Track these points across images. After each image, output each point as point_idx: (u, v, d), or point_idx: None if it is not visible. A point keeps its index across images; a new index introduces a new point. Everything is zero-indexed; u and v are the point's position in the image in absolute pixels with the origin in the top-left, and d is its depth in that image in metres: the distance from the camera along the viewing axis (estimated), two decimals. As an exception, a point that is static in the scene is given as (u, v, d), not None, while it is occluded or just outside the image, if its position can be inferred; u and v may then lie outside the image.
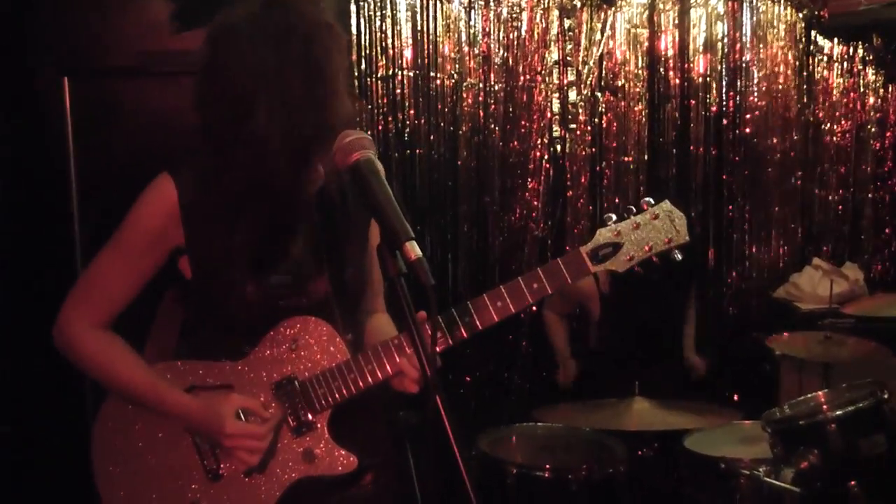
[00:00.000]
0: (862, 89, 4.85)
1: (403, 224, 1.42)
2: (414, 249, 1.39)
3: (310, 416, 1.83)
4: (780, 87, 4.68)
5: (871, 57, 4.82)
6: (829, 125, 4.82)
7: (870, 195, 4.89)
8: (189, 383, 1.86)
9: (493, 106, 4.20)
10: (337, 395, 1.82)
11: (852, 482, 2.74)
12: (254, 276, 1.80)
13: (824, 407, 2.88)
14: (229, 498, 1.84)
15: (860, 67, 4.83)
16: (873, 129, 4.88)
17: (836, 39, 4.77)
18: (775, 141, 4.69)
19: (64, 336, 1.87)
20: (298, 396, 1.83)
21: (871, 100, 4.86)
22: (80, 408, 3.25)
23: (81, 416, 3.25)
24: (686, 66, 4.54)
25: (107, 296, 1.86)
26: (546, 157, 4.30)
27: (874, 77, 4.85)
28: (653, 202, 1.80)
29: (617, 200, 4.43)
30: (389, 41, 4.00)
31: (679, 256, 1.80)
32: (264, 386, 1.85)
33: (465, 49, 4.14)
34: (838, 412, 2.81)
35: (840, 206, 4.87)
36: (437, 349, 1.66)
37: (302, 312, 1.85)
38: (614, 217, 1.81)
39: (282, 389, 1.84)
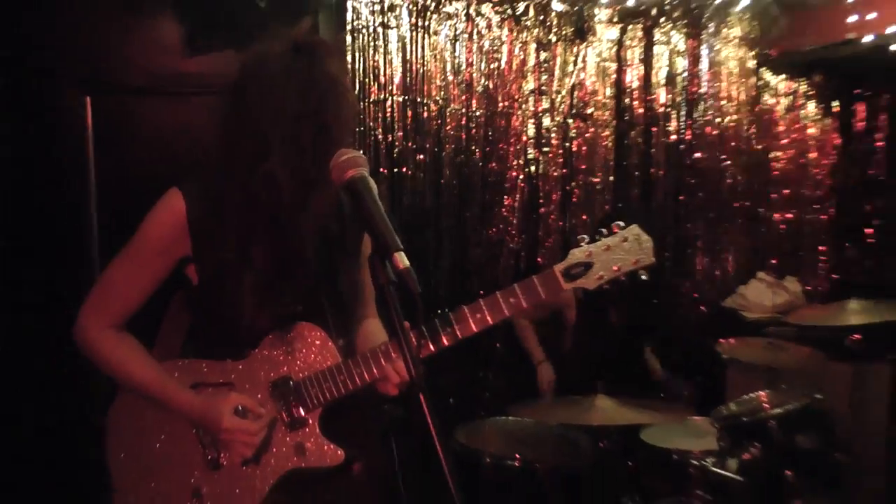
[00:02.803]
0: (803, 121, 4.95)
1: (393, 236, 1.41)
2: (402, 259, 1.38)
3: (302, 413, 1.84)
4: (733, 117, 4.76)
5: (812, 92, 4.93)
6: (775, 153, 4.92)
7: (808, 216, 4.98)
8: (194, 380, 1.88)
9: (474, 130, 4.20)
10: (328, 395, 1.83)
11: (789, 472, 2.79)
12: (257, 293, 1.79)
13: (765, 405, 2.95)
14: (227, 484, 1.85)
15: (803, 101, 4.93)
16: (813, 157, 4.99)
17: (782, 76, 4.86)
18: (727, 165, 4.78)
19: (82, 336, 1.88)
20: (292, 394, 1.84)
21: (812, 130, 4.96)
22: (86, 405, 3.09)
23: (88, 414, 3.15)
24: (649, 97, 4.60)
25: (120, 299, 1.87)
26: (522, 177, 4.31)
27: (815, 110, 4.95)
28: (623, 226, 1.78)
29: (585, 217, 4.44)
30: (381, 69, 3.98)
31: (645, 277, 1.77)
32: (262, 384, 1.86)
33: (450, 77, 4.13)
34: (778, 410, 2.87)
35: (783, 226, 4.94)
36: (421, 354, 1.67)
37: (298, 318, 1.85)
38: (587, 238, 1.78)
39: (278, 388, 1.85)
